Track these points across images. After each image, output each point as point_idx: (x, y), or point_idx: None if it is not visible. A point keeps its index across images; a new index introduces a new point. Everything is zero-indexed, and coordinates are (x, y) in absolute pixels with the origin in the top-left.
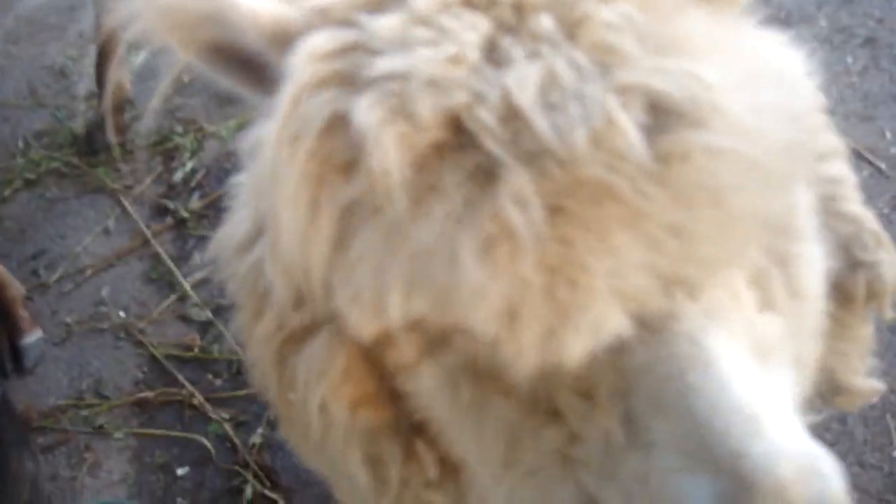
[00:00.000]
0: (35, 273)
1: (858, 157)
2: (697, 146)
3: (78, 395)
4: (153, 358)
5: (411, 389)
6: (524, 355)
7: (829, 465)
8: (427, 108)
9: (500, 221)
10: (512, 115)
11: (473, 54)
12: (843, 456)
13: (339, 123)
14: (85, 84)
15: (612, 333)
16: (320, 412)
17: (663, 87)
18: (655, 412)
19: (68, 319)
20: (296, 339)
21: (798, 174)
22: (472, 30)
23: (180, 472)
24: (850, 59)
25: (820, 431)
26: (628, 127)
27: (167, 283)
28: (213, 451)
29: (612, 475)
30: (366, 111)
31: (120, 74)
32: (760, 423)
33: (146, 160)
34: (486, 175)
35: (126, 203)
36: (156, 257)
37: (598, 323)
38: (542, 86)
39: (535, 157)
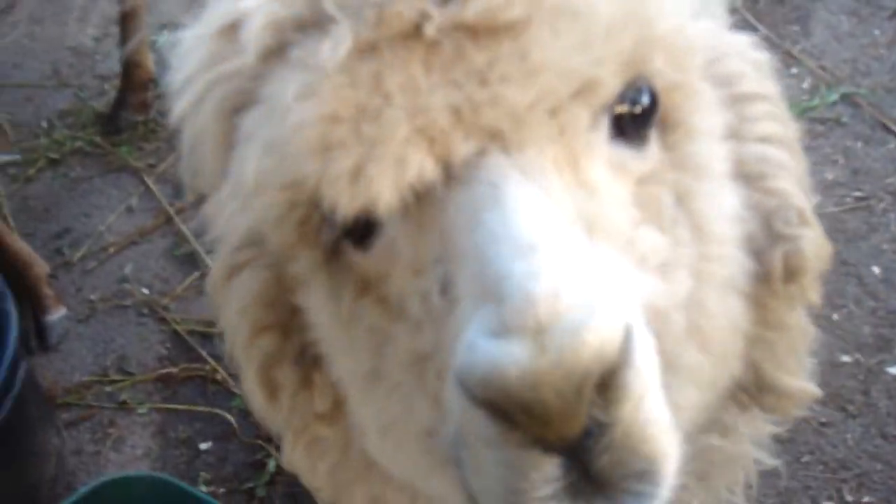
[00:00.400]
0: (59, 251)
1: (885, 130)
2: None
3: (102, 371)
4: (176, 334)
5: (305, 305)
6: (340, 193)
7: (610, 310)
8: None
9: (319, 64)
10: None
11: None
12: (865, 427)
13: (237, 25)
14: (108, 64)
15: (416, 173)
16: (232, 332)
17: None
18: (459, 264)
19: (92, 297)
20: (236, 271)
21: (622, 49)
22: None
23: (203, 446)
24: (877, 32)
25: (842, 403)
26: None
27: (190, 261)
28: (236, 425)
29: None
30: (247, 2)
31: (143, 53)
32: (535, 252)
33: (169, 138)
34: (321, 33)
35: (149, 181)
36: (179, 235)
37: (401, 158)
38: None
39: (357, 8)
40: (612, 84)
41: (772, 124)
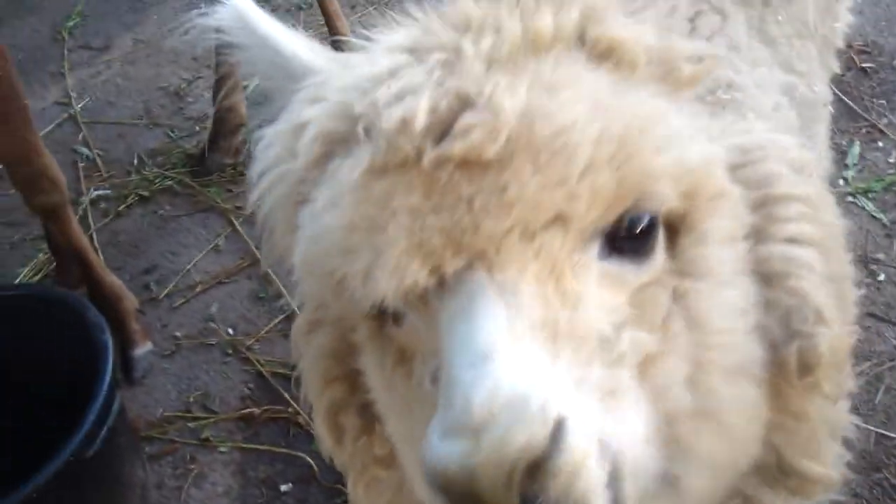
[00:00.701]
0: (147, 287)
1: None
2: (474, 123)
3: (185, 407)
4: (260, 375)
5: (362, 368)
6: (356, 289)
7: (540, 411)
8: (336, 102)
9: (342, 180)
10: (376, 111)
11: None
12: None
13: (301, 128)
14: (198, 105)
15: (413, 279)
16: (307, 379)
17: (468, 88)
18: (442, 363)
19: (177, 333)
20: (314, 327)
21: (601, 185)
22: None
23: (283, 487)
24: None
25: None
26: (422, 112)
27: (275, 303)
28: (316, 468)
29: None
30: (310, 112)
31: (236, 98)
32: (487, 362)
33: None
34: (352, 151)
35: (237, 223)
36: (265, 277)
37: (401, 266)
38: (400, 91)
39: (375, 135)
40: (588, 215)
41: (802, 225)
